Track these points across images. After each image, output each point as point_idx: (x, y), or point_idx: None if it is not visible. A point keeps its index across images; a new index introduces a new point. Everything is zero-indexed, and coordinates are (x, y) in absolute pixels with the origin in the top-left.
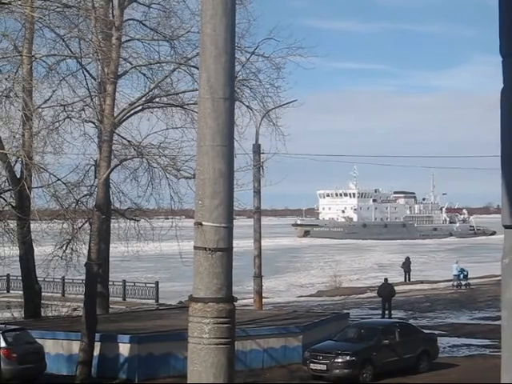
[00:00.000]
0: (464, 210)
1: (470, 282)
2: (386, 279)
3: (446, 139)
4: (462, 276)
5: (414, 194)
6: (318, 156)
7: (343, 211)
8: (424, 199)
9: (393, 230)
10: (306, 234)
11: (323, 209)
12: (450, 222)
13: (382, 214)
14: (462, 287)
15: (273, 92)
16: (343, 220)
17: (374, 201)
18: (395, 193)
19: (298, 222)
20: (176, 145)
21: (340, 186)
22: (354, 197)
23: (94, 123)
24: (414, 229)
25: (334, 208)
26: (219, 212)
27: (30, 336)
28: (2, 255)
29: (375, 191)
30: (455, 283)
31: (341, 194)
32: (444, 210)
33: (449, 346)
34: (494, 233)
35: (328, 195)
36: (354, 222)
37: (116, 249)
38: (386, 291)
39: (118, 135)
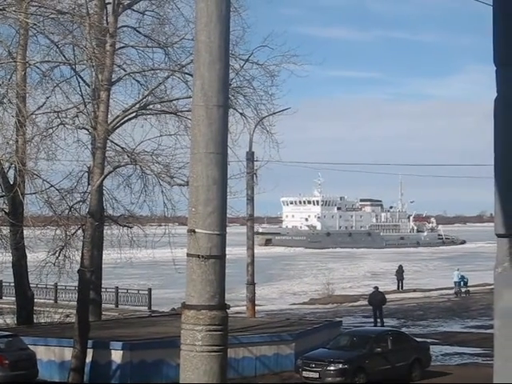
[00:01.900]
0: (432, 219)
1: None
2: (376, 287)
3: (442, 147)
4: (462, 283)
5: (380, 201)
6: (310, 164)
7: (306, 219)
8: (391, 207)
9: (357, 239)
10: (268, 242)
11: (286, 216)
12: (418, 231)
13: (346, 223)
14: (462, 294)
15: (267, 99)
16: (306, 228)
17: (339, 209)
18: (361, 200)
19: (260, 230)
20: (169, 152)
21: (304, 192)
22: (317, 204)
23: (87, 130)
24: (379, 238)
25: (298, 216)
26: (212, 219)
27: (22, 342)
28: None
29: (340, 199)
30: (455, 290)
31: (304, 202)
32: (411, 218)
33: (441, 355)
34: (463, 242)
35: (291, 203)
36: (318, 231)
37: (109, 255)
38: (377, 299)
39: (112, 142)
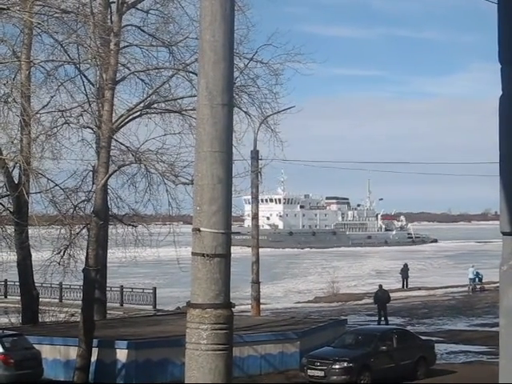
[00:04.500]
0: (402, 217)
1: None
2: (380, 285)
3: (445, 145)
4: (477, 279)
5: (347, 199)
6: (315, 162)
7: (268, 218)
8: (359, 205)
9: (322, 238)
10: None
11: (248, 215)
12: (386, 230)
13: (310, 221)
14: (477, 290)
15: (271, 98)
16: (268, 227)
17: (302, 207)
18: (327, 198)
19: None
20: (174, 151)
21: (268, 191)
22: (279, 203)
23: (92, 129)
24: (345, 237)
25: (260, 214)
26: (217, 218)
27: (27, 342)
28: None
29: (305, 197)
30: (471, 286)
31: (266, 200)
32: (380, 216)
33: (446, 353)
34: (435, 240)
35: None
36: (280, 230)
37: (114, 254)
38: (384, 298)
39: (116, 141)
